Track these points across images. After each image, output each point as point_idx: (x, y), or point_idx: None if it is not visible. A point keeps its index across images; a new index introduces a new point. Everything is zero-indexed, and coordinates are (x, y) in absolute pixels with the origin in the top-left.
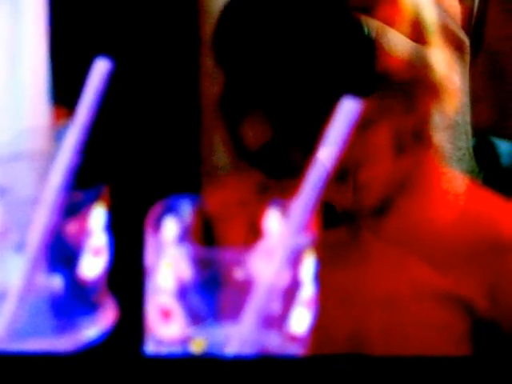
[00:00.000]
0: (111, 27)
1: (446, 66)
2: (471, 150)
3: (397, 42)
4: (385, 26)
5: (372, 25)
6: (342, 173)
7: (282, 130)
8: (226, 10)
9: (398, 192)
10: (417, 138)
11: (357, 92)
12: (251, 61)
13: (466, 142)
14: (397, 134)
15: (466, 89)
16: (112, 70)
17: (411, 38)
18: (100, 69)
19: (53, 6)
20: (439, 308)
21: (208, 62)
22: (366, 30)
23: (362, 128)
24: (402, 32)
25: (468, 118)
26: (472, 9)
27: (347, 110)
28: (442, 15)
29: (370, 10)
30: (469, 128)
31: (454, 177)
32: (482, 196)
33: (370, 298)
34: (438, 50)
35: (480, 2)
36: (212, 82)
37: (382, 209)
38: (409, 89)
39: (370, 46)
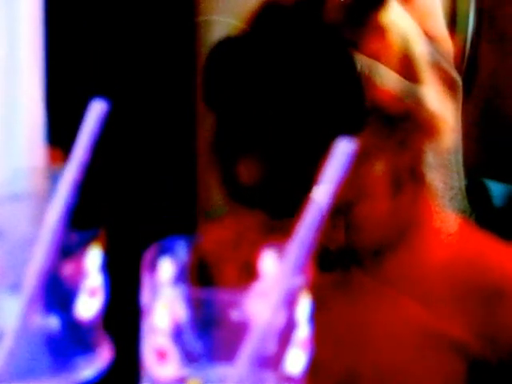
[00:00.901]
0: (108, 69)
1: (438, 105)
2: (463, 190)
3: (388, 79)
4: (376, 62)
5: (363, 62)
6: (338, 213)
7: (276, 169)
8: (213, 53)
9: (395, 233)
10: (413, 176)
11: (349, 129)
12: (242, 102)
13: (458, 181)
14: (394, 171)
15: (459, 128)
16: (108, 111)
17: (403, 76)
18: (96, 110)
19: (49, 47)
20: (433, 348)
21: (203, 105)
22: (357, 67)
23: (357, 165)
24: (392, 69)
25: (460, 157)
26: (464, 48)
27: (342, 150)
28: (434, 54)
29: (359, 46)
30: (461, 167)
31: (449, 217)
32: (478, 238)
33: (364, 338)
34: (429, 88)
35: (472, 42)
36: (207, 125)
37: (379, 250)
38: (402, 125)
39: (361, 83)
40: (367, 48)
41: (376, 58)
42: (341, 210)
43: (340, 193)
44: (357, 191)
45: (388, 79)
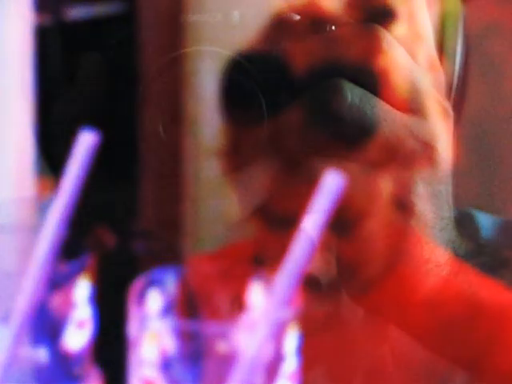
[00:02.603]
0: (99, 99)
1: (427, 134)
2: (452, 221)
3: (380, 108)
4: (368, 93)
5: (356, 92)
6: (339, 232)
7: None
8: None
9: (388, 261)
10: (401, 203)
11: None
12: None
13: (448, 211)
14: (395, 193)
15: (448, 158)
16: (98, 142)
17: (397, 107)
18: (86, 141)
19: (40, 79)
20: (419, 381)
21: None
22: (348, 96)
23: (363, 180)
24: (385, 98)
25: (450, 188)
26: (452, 79)
27: (331, 183)
28: (425, 82)
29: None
30: (450, 198)
31: (437, 248)
32: (464, 271)
33: (352, 369)
34: (426, 121)
35: (460, 72)
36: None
37: (373, 278)
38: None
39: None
40: (375, 62)
41: (383, 72)
42: (342, 228)
43: (344, 209)
44: (361, 208)
45: (383, 110)
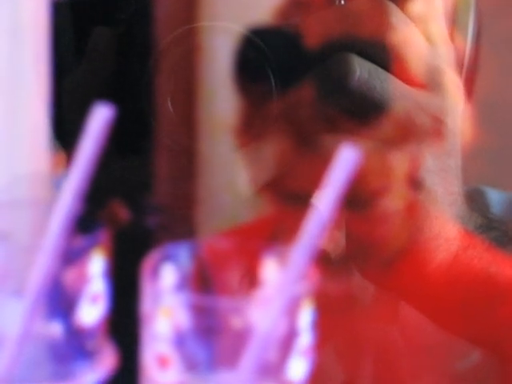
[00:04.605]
0: (112, 73)
1: (437, 109)
2: (462, 196)
3: (386, 80)
4: (378, 67)
5: (364, 66)
6: (357, 208)
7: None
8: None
9: (401, 241)
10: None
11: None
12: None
13: (457, 186)
14: (411, 168)
15: (458, 133)
16: (112, 116)
17: (402, 79)
18: (100, 115)
19: (54, 54)
20: (432, 359)
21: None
22: (357, 70)
23: (384, 154)
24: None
25: (459, 163)
26: (464, 52)
27: (346, 158)
28: (435, 58)
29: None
30: (460, 173)
31: (447, 222)
32: (476, 244)
33: (362, 347)
34: (435, 95)
35: (471, 47)
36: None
37: (384, 257)
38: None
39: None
40: (385, 37)
41: (393, 47)
42: (358, 206)
43: (360, 186)
44: (377, 185)
45: (388, 82)
